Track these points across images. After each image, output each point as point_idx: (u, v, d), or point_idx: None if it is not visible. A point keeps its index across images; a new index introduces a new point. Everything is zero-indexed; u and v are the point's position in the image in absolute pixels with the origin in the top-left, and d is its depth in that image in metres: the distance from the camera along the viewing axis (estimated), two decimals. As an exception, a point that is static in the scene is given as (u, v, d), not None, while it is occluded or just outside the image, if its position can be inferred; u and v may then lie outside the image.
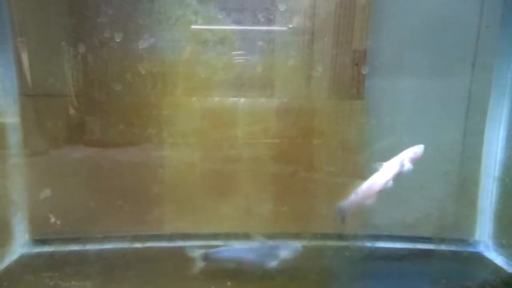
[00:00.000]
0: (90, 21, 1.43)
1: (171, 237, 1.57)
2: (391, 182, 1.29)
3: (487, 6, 1.57)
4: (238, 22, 1.47)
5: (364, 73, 1.59)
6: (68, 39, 1.45)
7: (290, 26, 1.54)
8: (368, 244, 1.58)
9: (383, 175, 1.29)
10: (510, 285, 0.84)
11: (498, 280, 0.85)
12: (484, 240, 1.56)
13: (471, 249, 1.55)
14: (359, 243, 1.57)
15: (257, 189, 1.63)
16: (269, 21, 1.49)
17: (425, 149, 1.31)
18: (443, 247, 1.55)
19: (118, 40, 1.43)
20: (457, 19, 1.59)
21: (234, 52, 1.50)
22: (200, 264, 1.32)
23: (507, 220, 1.48)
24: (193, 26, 1.46)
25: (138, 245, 1.54)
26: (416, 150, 1.29)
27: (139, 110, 1.52)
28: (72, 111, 1.53)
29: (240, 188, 1.63)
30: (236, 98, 1.57)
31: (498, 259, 1.45)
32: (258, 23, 1.47)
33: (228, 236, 1.58)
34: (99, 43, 1.43)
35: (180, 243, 1.56)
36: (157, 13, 1.43)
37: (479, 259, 1.49)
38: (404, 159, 1.29)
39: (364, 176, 1.60)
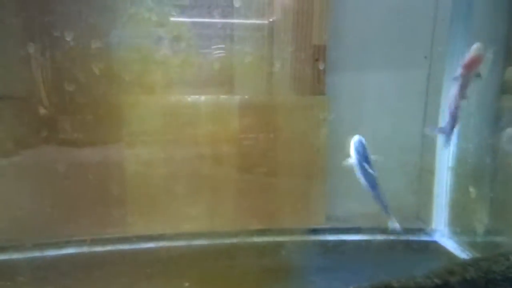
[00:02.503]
0: (40, 22, 1.38)
1: (132, 239, 1.55)
2: (462, 93, 1.21)
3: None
4: (192, 19, 1.45)
5: (321, 68, 1.60)
6: (20, 39, 1.40)
7: (250, 21, 1.54)
8: (331, 237, 1.60)
9: (453, 91, 1.23)
10: (454, 273, 0.87)
11: (442, 271, 0.88)
12: (440, 229, 1.61)
13: (428, 238, 1.61)
14: (321, 237, 1.60)
15: (220, 186, 1.62)
16: (225, 18, 1.47)
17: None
18: (401, 237, 1.59)
19: (68, 40, 1.38)
20: (414, 13, 1.62)
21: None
22: None
23: (459, 208, 1.54)
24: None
25: (98, 248, 1.51)
26: (467, 55, 1.17)
27: (95, 110, 1.48)
28: (27, 113, 1.47)
29: (203, 186, 1.62)
30: (196, 96, 1.55)
31: (452, 247, 1.51)
32: (213, 19, 1.46)
33: (192, 235, 1.58)
34: (49, 44, 1.38)
35: (142, 245, 1.54)
36: (109, 11, 1.40)
37: (435, 247, 1.54)
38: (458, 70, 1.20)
39: (327, 169, 1.63)
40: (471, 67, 1.17)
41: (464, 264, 0.91)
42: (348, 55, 1.64)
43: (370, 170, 1.24)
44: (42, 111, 1.45)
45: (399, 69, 1.67)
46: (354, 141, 1.26)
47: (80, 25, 1.38)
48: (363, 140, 1.26)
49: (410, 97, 1.69)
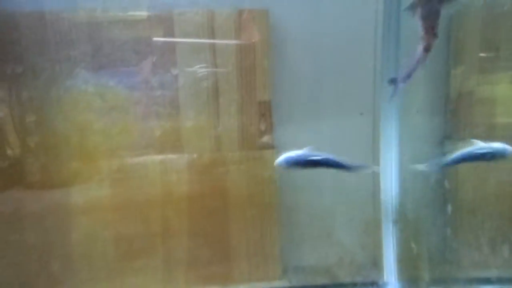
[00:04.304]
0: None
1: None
2: (426, 28, 0.94)
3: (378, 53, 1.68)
4: (131, 88, 1.46)
5: (267, 123, 1.63)
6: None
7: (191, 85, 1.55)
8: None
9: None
10: None
11: None
12: (391, 281, 1.61)
13: (380, 292, 1.61)
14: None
15: (170, 247, 1.59)
16: (164, 85, 1.49)
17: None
18: (356, 291, 1.59)
19: (1, 115, 1.37)
20: (355, 65, 1.68)
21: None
22: None
23: (406, 261, 1.55)
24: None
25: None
26: None
27: (33, 183, 1.46)
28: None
29: (153, 248, 1.58)
30: (144, 157, 1.54)
31: (402, 300, 1.52)
32: (152, 88, 1.48)
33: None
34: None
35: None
36: (44, 85, 1.40)
37: (387, 301, 1.54)
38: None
39: (280, 222, 1.64)
40: None
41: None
42: (294, 108, 1.68)
43: None
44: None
45: (346, 120, 1.70)
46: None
47: (13, 100, 1.38)
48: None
49: (358, 149, 1.72)
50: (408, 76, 1.05)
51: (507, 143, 1.15)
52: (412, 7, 0.89)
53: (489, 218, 1.17)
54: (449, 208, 1.15)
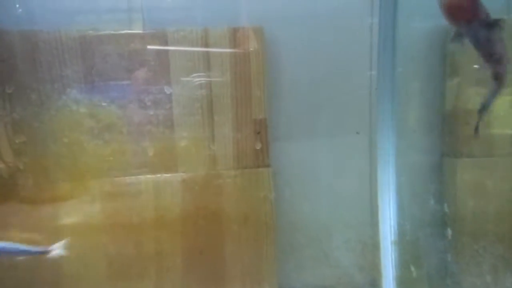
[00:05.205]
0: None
1: None
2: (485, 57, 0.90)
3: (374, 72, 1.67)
4: (123, 107, 1.44)
5: (263, 141, 1.60)
6: None
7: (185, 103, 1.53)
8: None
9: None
10: None
11: None
12: (391, 305, 1.57)
13: (379, 315, 1.56)
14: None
15: (165, 268, 1.55)
16: (157, 104, 1.47)
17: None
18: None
19: (-10, 136, 1.34)
20: (350, 85, 1.66)
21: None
22: None
23: (405, 284, 1.51)
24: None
25: None
26: None
27: (23, 204, 1.42)
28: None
29: (147, 269, 1.54)
30: (137, 177, 1.51)
31: (402, 325, 1.48)
32: (144, 107, 1.45)
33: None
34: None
35: None
36: (34, 106, 1.37)
37: (386, 326, 1.50)
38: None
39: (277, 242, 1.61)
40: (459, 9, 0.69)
41: None
42: (290, 126, 1.66)
43: None
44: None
45: (340, 140, 1.68)
46: None
47: (3, 120, 1.35)
48: None
49: (353, 167, 1.70)
50: (484, 108, 1.04)
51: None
52: (457, 38, 0.85)
53: (491, 245, 1.14)
54: (449, 231, 1.12)
